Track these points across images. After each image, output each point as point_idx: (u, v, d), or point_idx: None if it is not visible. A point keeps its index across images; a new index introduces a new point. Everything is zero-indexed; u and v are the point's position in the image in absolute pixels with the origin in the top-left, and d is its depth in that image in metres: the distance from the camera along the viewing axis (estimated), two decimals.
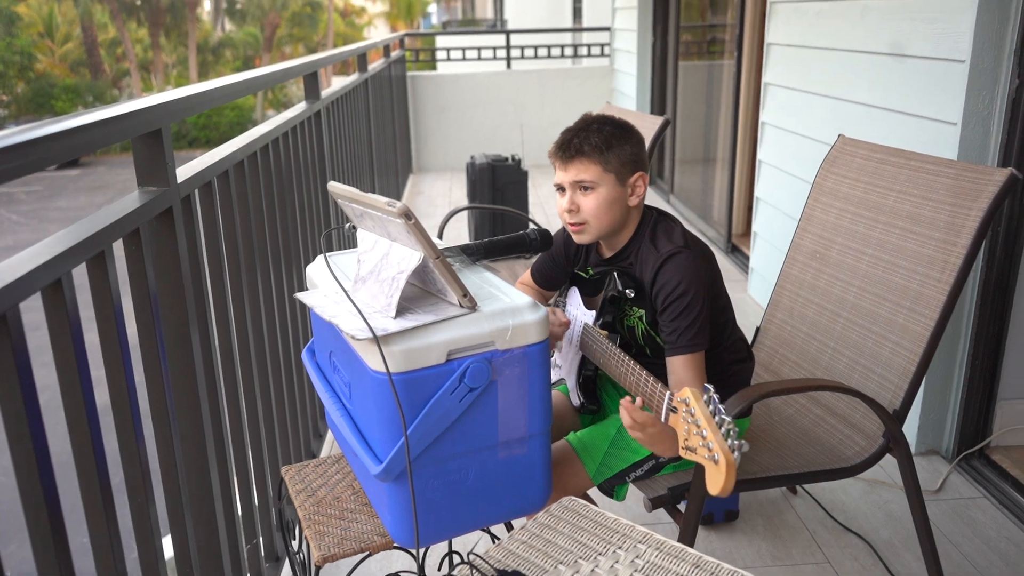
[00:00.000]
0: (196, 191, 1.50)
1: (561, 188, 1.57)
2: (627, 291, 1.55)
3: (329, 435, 2.58)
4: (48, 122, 1.00)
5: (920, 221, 1.73)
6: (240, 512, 1.71)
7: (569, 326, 1.64)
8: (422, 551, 1.58)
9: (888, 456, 1.69)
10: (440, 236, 2.83)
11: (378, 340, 1.18)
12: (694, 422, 1.15)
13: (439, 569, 1.94)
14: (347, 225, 1.45)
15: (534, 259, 1.84)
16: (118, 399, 1.17)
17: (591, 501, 1.68)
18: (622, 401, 1.34)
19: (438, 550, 2.00)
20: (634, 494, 1.77)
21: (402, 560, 2.01)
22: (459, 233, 5.06)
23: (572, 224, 1.57)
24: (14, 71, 29.75)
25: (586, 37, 8.66)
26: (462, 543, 2.00)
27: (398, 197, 5.95)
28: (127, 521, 1.18)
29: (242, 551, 1.69)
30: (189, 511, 1.41)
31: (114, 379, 1.16)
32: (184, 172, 1.46)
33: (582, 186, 1.54)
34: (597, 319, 1.58)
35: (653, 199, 6.16)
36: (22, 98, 29.88)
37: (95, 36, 32.82)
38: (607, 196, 1.53)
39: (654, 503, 1.58)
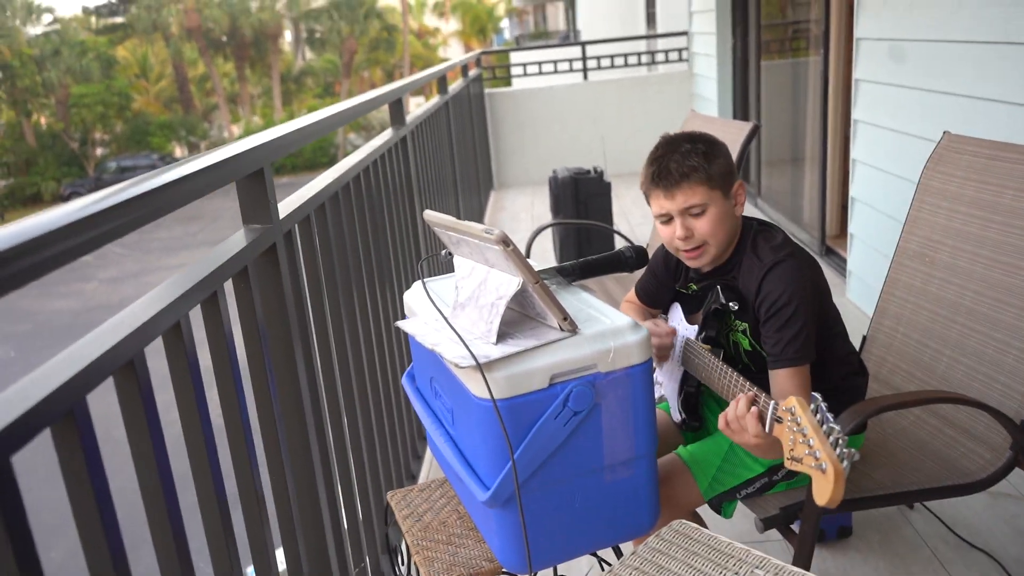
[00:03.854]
0: (296, 226, 1.54)
1: (666, 216, 1.53)
2: (730, 304, 1.51)
3: (428, 455, 2.60)
4: (159, 172, 1.05)
5: None
6: (347, 533, 1.74)
7: (676, 334, 1.61)
8: None
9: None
10: (527, 253, 2.84)
11: (481, 368, 1.18)
12: (800, 431, 1.11)
13: None
14: (443, 252, 1.47)
15: (625, 275, 1.82)
16: (232, 424, 1.21)
17: (699, 519, 1.64)
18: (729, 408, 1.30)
19: None
20: (743, 512, 1.72)
21: None
22: (544, 248, 5.06)
23: (688, 251, 1.53)
24: (113, 111, 31.49)
25: (662, 43, 8.57)
26: (568, 568, 1.98)
27: (481, 214, 6.01)
28: (243, 536, 1.22)
29: (351, 573, 1.72)
30: (300, 529, 1.44)
31: (228, 406, 1.21)
32: (285, 208, 1.50)
33: (692, 211, 1.50)
34: (699, 333, 1.55)
35: None
36: (121, 136, 31.60)
37: (186, 73, 34.46)
38: (719, 213, 1.49)
39: (766, 523, 1.53)
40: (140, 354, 0.92)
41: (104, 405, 1.10)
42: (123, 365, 0.88)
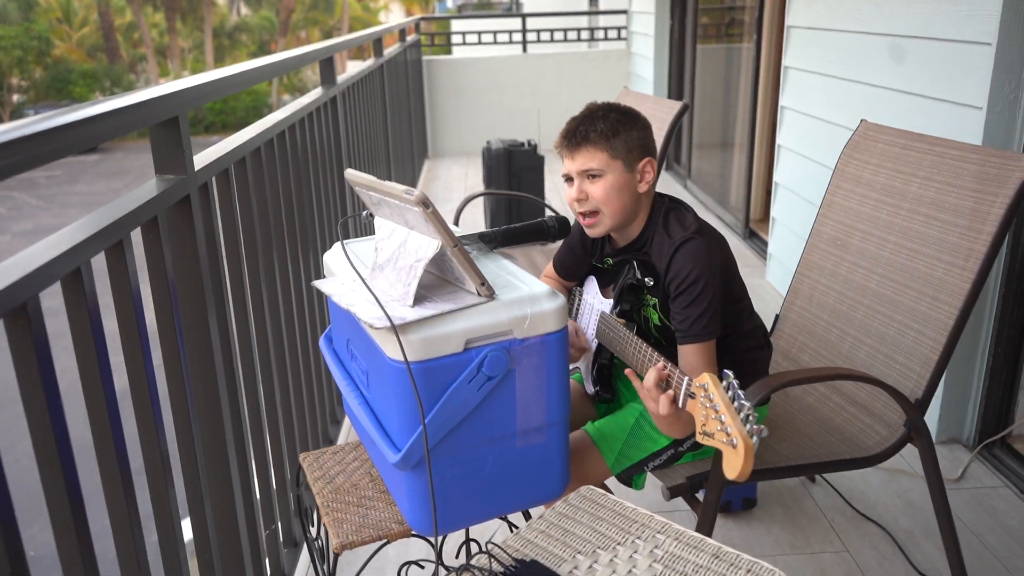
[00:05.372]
0: (213, 178, 1.50)
1: (569, 178, 1.56)
2: (646, 279, 1.53)
3: (346, 421, 2.58)
4: (68, 110, 1.00)
5: (944, 208, 1.71)
6: (258, 497, 1.72)
7: (588, 352, 1.65)
8: (440, 539, 1.58)
9: (909, 445, 1.68)
10: (456, 222, 2.83)
11: (396, 329, 1.17)
12: (712, 407, 1.14)
13: (456, 557, 1.94)
14: (364, 213, 1.45)
15: (551, 246, 1.83)
16: (137, 385, 1.17)
17: (608, 491, 1.68)
18: (644, 382, 1.33)
19: (456, 538, 2.00)
20: (652, 481, 1.77)
21: (419, 548, 2.02)
22: (475, 218, 5.05)
23: (583, 215, 1.56)
24: (32, 56, 29.89)
25: (602, 20, 8.59)
26: (480, 531, 2.00)
27: (414, 182, 5.94)
28: (147, 505, 1.19)
29: (260, 536, 1.70)
30: (208, 495, 1.42)
31: (133, 366, 1.17)
32: (201, 160, 1.46)
33: (589, 174, 1.52)
34: (614, 307, 1.57)
35: (670, 184, 6.11)
36: (40, 83, 30.04)
37: (112, 21, 32.92)
38: (615, 182, 1.51)
39: (672, 492, 1.57)
40: (35, 299, 0.88)
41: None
42: (14, 308, 0.85)
